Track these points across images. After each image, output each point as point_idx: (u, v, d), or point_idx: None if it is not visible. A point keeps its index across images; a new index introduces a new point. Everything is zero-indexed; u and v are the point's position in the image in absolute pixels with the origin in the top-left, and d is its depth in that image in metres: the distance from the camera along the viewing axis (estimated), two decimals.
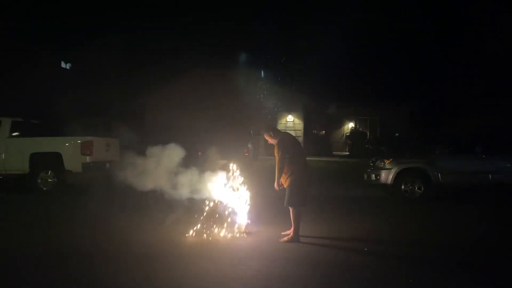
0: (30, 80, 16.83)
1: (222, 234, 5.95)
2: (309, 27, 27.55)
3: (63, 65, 23.36)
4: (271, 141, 5.95)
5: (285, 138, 5.95)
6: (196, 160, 6.95)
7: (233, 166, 6.29)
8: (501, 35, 18.68)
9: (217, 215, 6.19)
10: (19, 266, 4.64)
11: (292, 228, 5.74)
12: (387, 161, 9.82)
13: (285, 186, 5.77)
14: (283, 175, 5.75)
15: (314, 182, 6.26)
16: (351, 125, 27.42)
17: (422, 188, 9.46)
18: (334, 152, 24.05)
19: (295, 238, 5.68)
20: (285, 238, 5.72)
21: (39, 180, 9.96)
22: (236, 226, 6.12)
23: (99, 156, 10.20)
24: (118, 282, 4.17)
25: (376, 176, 9.85)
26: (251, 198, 6.34)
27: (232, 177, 6.27)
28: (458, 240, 6.10)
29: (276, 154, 5.80)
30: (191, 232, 5.93)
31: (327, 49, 22.97)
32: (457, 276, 4.48)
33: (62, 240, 5.79)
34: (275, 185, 5.85)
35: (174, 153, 6.53)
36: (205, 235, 5.87)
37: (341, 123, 27.81)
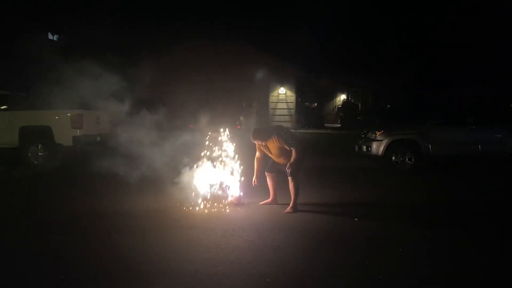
0: (17, 52, 16.44)
1: (215, 205, 6.00)
2: None
3: (50, 36, 22.83)
4: (264, 143, 5.94)
5: (280, 133, 5.90)
6: (188, 133, 6.94)
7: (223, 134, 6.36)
8: (492, 6, 18.55)
9: (210, 187, 6.25)
10: (11, 238, 4.67)
11: (292, 198, 5.85)
12: (378, 133, 9.87)
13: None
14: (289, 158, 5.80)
15: (308, 154, 6.34)
16: (343, 97, 27.36)
17: (413, 159, 9.55)
18: (326, 124, 24.09)
19: (294, 208, 5.82)
20: (289, 209, 5.81)
21: (29, 154, 9.91)
22: (229, 197, 6.19)
23: (89, 129, 10.13)
24: (110, 254, 4.21)
25: (367, 148, 9.92)
26: (244, 170, 6.41)
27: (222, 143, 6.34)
28: (449, 208, 6.22)
29: (277, 148, 5.85)
30: (184, 204, 5.99)
31: (319, 20, 22.66)
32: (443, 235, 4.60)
33: (51, 213, 5.81)
34: (254, 179, 6.11)
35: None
36: (198, 207, 5.93)
37: (333, 95, 27.74)
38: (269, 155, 6.07)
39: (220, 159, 6.31)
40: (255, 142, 6.01)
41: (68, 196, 6.91)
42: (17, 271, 3.80)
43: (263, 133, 5.97)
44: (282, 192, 6.20)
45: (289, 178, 5.82)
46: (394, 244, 4.54)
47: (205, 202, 6.04)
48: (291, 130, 6.19)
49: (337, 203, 6.43)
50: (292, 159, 5.72)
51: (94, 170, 7.51)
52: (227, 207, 6.00)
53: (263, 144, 5.97)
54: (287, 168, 5.74)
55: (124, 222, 5.28)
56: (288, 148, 5.76)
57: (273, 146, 5.91)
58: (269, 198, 6.27)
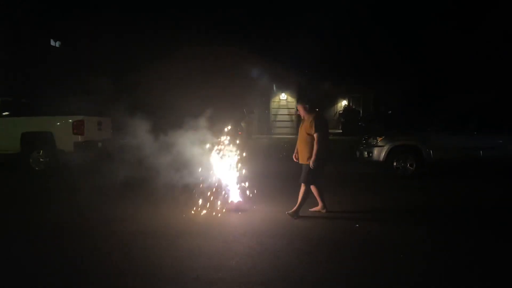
0: (19, 59, 16.57)
1: (216, 212, 5.99)
2: (302, 3, 27.17)
3: (52, 43, 22.96)
4: (303, 113, 5.91)
5: (321, 116, 5.92)
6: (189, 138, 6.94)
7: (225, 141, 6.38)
8: (494, 12, 18.58)
9: (212, 194, 6.24)
10: (13, 242, 4.66)
11: (298, 203, 5.85)
12: (379, 139, 9.85)
13: (306, 162, 5.80)
14: (307, 152, 5.77)
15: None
16: (344, 102, 27.40)
17: (414, 165, 9.53)
18: None
19: (296, 213, 5.81)
20: (290, 212, 5.83)
21: (31, 160, 9.92)
22: (231, 204, 6.18)
23: (91, 135, 10.15)
24: (112, 260, 4.19)
25: (368, 154, 9.90)
26: (246, 176, 6.41)
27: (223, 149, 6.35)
28: (449, 213, 6.20)
29: (304, 130, 5.81)
30: (186, 210, 5.98)
31: (321, 26, 22.74)
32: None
33: (55, 218, 5.80)
34: (312, 162, 5.71)
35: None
36: (198, 211, 5.92)
37: (334, 101, 27.79)
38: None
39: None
40: (299, 105, 5.94)
41: (67, 201, 6.90)
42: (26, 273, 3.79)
43: (311, 103, 5.88)
44: (287, 197, 6.18)
45: (302, 184, 5.84)
46: (394, 250, 4.52)
47: (206, 208, 6.03)
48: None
49: (338, 209, 6.40)
50: (314, 150, 5.63)
51: (94, 176, 7.53)
52: (229, 213, 5.99)
53: (302, 116, 5.90)
54: (308, 160, 5.70)
55: (124, 228, 5.26)
56: (312, 134, 5.66)
57: (305, 124, 5.84)
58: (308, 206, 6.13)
